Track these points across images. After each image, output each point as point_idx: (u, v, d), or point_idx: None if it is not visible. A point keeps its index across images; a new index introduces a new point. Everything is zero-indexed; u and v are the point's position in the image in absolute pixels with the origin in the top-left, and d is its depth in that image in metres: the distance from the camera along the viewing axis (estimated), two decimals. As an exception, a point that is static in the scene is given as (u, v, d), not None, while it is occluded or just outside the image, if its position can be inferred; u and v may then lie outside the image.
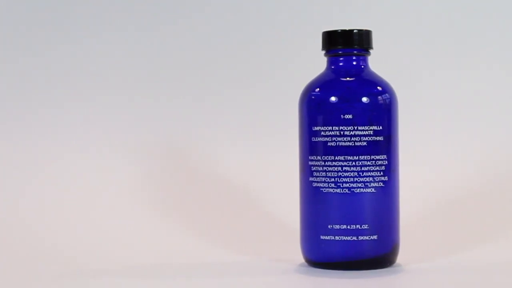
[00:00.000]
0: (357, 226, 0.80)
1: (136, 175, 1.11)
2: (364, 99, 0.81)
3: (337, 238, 0.80)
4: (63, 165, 1.12)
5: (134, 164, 1.12)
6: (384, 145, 0.81)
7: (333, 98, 0.81)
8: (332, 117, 0.80)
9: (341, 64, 0.83)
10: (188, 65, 1.15)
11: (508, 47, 1.12)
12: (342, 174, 0.80)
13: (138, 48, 1.16)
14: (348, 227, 0.80)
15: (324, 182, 0.81)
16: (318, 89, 0.82)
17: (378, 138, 0.80)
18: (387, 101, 0.81)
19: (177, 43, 1.15)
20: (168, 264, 0.86)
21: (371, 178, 0.80)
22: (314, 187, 0.81)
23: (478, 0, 1.13)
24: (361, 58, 0.83)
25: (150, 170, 1.11)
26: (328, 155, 0.80)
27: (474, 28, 1.13)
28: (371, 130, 0.80)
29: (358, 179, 0.80)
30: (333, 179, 0.80)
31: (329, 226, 0.80)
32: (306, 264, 0.83)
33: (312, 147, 0.81)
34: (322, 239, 0.81)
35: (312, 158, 0.81)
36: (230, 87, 1.15)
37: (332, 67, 0.83)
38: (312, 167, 0.81)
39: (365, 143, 0.80)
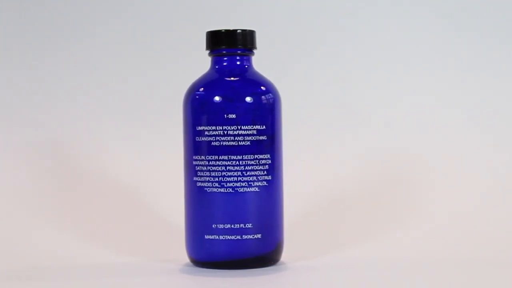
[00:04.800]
0: (241, 225, 0.80)
1: (18, 175, 1.09)
2: (248, 99, 0.81)
3: (221, 237, 0.80)
4: None
5: (16, 164, 1.09)
6: (268, 145, 0.81)
7: (216, 98, 0.81)
8: (216, 116, 0.81)
9: (225, 64, 0.83)
10: (72, 63, 1.14)
11: (392, 47, 1.14)
12: (226, 173, 0.80)
13: (18, 45, 1.14)
14: (232, 226, 0.80)
15: (208, 181, 0.81)
16: (202, 88, 0.82)
17: (261, 138, 0.81)
18: (271, 100, 0.82)
19: (62, 41, 1.14)
20: (53, 266, 0.85)
21: (254, 177, 0.80)
22: (198, 186, 0.81)
23: (358, 1, 1.16)
24: (245, 58, 0.83)
25: (32, 170, 1.09)
26: (212, 155, 0.80)
27: (357, 27, 1.15)
28: (254, 129, 0.81)
29: (242, 179, 0.80)
30: (217, 179, 0.80)
31: (213, 226, 0.81)
32: (191, 264, 0.83)
33: (196, 147, 0.81)
34: (207, 239, 0.81)
35: (196, 158, 0.81)
36: (115, 86, 1.13)
37: (216, 66, 0.83)
38: (196, 167, 0.81)
39: (248, 143, 0.80)
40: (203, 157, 0.81)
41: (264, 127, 0.81)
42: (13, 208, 1.05)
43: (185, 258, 0.84)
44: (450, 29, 1.15)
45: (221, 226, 0.80)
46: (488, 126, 1.12)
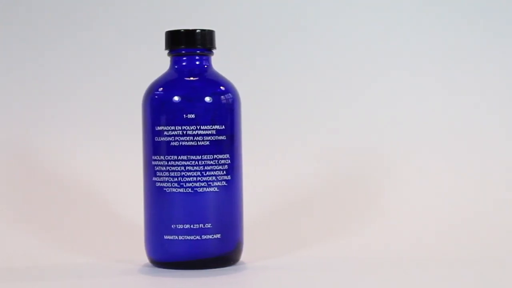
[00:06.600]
0: (200, 225, 0.80)
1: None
2: (207, 99, 0.81)
3: (180, 237, 0.80)
4: None
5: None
6: (227, 145, 0.81)
7: (176, 98, 0.81)
8: (175, 116, 0.80)
9: (184, 63, 0.83)
10: (29, 64, 1.13)
11: (352, 46, 1.15)
12: (185, 173, 0.80)
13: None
14: (192, 226, 0.80)
15: (167, 182, 0.80)
16: (161, 88, 0.82)
17: (220, 138, 0.81)
18: (230, 100, 0.82)
19: (21, 43, 1.13)
20: (8, 268, 0.84)
21: (214, 177, 0.80)
22: (158, 187, 0.81)
23: (319, 1, 1.16)
24: (204, 58, 0.83)
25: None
26: (171, 155, 0.80)
27: (316, 27, 1.15)
28: (213, 129, 0.81)
29: (201, 179, 0.80)
30: (176, 179, 0.80)
31: (172, 226, 0.80)
32: (150, 264, 0.83)
33: (155, 147, 0.81)
34: (166, 239, 0.81)
35: (156, 158, 0.81)
36: (74, 86, 1.13)
37: (176, 66, 0.83)
38: (155, 167, 0.81)
39: (208, 143, 0.80)
40: (162, 157, 0.81)
41: (223, 127, 0.81)
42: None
43: (144, 258, 0.84)
44: (412, 26, 1.16)
45: (180, 226, 0.80)
46: (449, 124, 1.13)
